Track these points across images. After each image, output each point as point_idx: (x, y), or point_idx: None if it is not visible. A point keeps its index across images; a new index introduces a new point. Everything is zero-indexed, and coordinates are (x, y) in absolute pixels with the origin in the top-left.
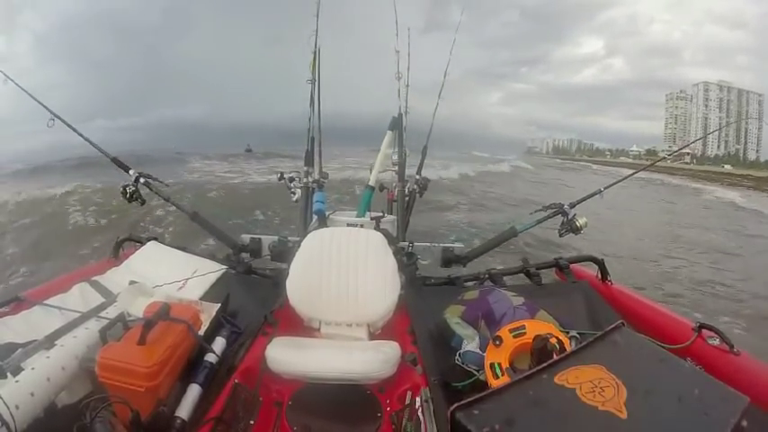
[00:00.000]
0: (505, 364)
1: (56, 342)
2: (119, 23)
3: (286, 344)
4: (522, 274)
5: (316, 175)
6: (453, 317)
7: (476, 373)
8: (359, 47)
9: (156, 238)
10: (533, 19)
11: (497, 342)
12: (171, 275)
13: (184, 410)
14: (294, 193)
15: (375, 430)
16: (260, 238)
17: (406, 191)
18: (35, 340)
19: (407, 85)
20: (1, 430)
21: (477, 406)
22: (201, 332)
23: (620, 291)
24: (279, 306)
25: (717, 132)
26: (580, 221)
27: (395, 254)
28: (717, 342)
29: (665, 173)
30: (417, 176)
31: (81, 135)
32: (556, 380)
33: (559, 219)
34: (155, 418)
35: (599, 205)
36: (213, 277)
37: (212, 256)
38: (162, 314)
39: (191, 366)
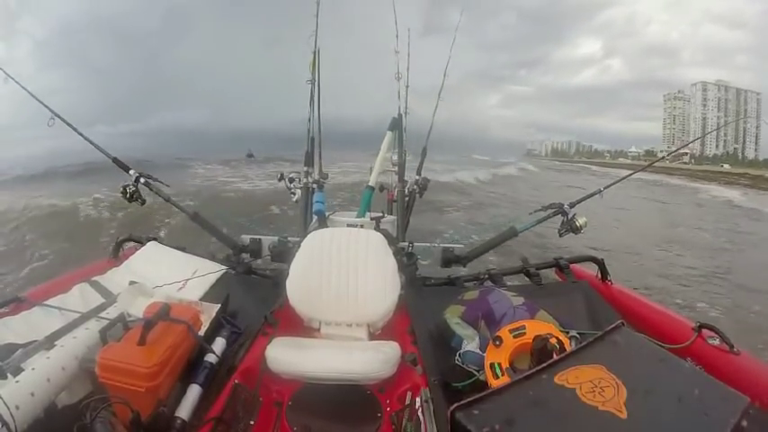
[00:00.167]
0: (505, 365)
1: (56, 342)
2: (118, 29)
3: (286, 344)
4: (522, 274)
5: (316, 176)
6: (453, 317)
7: (476, 373)
8: (358, 47)
9: (155, 239)
10: (531, 20)
11: (497, 342)
12: (171, 276)
13: (184, 411)
14: (294, 194)
15: (375, 430)
16: (260, 239)
17: (406, 191)
18: (35, 341)
19: (407, 86)
20: (1, 430)
21: (477, 406)
22: (201, 332)
23: (620, 291)
24: (279, 306)
25: (715, 132)
26: (580, 221)
27: (395, 254)
28: (717, 342)
29: (663, 173)
30: (417, 177)
31: (81, 134)
32: (556, 380)
33: (559, 219)
34: (155, 419)
35: (599, 205)
36: (213, 278)
37: (212, 257)
38: (162, 314)
39: (191, 367)
